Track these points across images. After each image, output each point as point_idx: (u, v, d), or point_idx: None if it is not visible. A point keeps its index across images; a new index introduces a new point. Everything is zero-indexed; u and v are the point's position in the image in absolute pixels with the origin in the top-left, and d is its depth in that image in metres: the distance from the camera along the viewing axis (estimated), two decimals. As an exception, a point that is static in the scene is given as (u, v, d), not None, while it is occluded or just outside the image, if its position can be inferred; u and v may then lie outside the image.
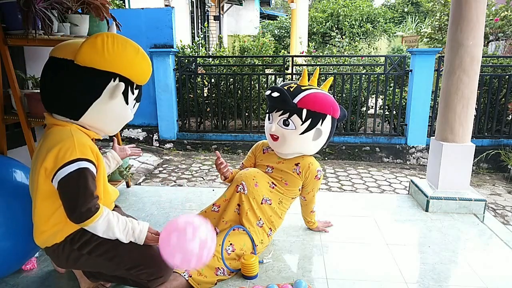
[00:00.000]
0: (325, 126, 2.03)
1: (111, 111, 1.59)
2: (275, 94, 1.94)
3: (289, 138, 2.01)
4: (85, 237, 1.54)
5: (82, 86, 1.50)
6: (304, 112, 1.95)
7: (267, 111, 2.10)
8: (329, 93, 2.35)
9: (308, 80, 2.13)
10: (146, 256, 1.60)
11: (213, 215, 2.08)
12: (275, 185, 2.14)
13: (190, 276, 1.76)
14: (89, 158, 1.47)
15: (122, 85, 1.54)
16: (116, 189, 1.80)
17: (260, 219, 2.08)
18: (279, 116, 2.01)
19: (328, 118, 2.03)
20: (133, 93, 1.63)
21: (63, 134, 1.50)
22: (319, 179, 2.17)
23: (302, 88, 2.01)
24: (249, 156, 2.33)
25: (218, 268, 1.85)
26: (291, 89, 2.00)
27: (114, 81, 1.53)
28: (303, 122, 1.97)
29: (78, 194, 1.43)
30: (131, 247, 1.57)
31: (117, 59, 1.51)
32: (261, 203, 2.07)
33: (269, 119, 2.10)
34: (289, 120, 1.98)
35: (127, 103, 1.61)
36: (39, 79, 1.58)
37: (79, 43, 1.50)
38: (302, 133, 1.99)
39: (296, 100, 1.96)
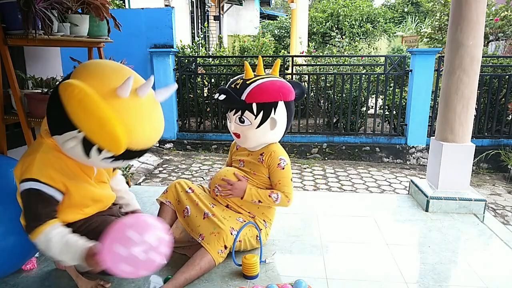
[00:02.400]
0: (280, 113, 2.02)
1: (71, 153, 1.48)
2: (221, 97, 1.96)
3: (248, 133, 2.03)
4: (71, 228, 1.55)
5: (51, 116, 1.47)
6: (254, 106, 1.96)
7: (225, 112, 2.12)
8: (284, 78, 2.36)
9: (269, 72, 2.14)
10: None
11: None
12: (247, 178, 2.11)
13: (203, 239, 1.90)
14: (43, 181, 1.47)
15: (78, 142, 1.41)
16: (112, 194, 1.80)
17: (249, 212, 2.12)
18: (234, 115, 2.03)
19: (281, 104, 2.01)
20: (99, 153, 1.43)
21: (33, 148, 1.53)
22: (283, 169, 2.06)
23: (247, 82, 1.99)
24: (229, 154, 2.36)
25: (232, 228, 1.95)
26: (238, 86, 2.00)
27: (78, 132, 1.40)
28: (256, 116, 1.98)
29: (25, 211, 1.51)
30: None
31: (83, 117, 1.37)
32: (242, 197, 2.08)
33: (228, 119, 2.13)
34: (243, 117, 1.99)
35: (88, 156, 1.45)
36: None
37: (89, 75, 1.41)
38: (258, 126, 2.00)
39: (243, 97, 1.96)
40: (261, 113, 1.97)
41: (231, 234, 1.93)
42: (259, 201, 2.04)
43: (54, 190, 1.49)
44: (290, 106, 2.07)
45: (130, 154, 1.47)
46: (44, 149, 1.51)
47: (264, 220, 2.16)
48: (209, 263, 1.88)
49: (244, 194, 2.02)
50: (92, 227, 1.61)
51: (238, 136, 2.08)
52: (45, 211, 1.49)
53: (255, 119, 1.98)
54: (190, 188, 2.13)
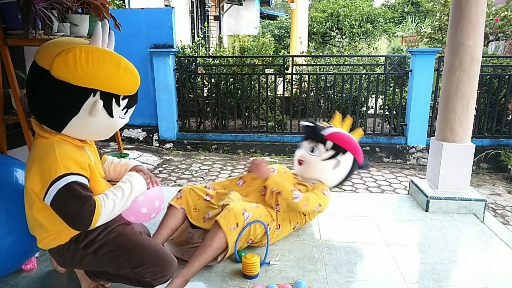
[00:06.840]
0: (345, 161, 2.26)
1: (94, 126, 1.50)
2: (307, 123, 2.32)
3: (312, 163, 2.27)
4: (90, 236, 1.54)
5: (58, 101, 1.42)
6: (330, 143, 2.23)
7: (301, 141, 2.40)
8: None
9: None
10: (151, 255, 1.60)
11: (236, 188, 2.29)
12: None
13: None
14: (73, 172, 1.44)
15: (100, 103, 1.43)
16: (110, 185, 1.79)
17: (278, 204, 2.19)
18: (308, 143, 2.31)
19: (349, 156, 2.26)
20: (119, 105, 1.50)
21: (45, 150, 1.46)
22: (323, 194, 2.23)
23: (332, 126, 2.36)
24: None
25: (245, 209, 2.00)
26: (323, 125, 2.35)
27: (94, 96, 1.42)
28: (327, 151, 2.24)
29: (72, 207, 1.41)
30: (137, 246, 1.58)
31: (94, 75, 1.39)
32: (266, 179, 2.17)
33: (300, 147, 2.38)
34: (315, 147, 2.27)
35: (111, 116, 1.50)
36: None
37: (59, 49, 1.38)
38: (324, 159, 2.24)
39: (325, 133, 2.26)
40: (332, 151, 2.24)
41: (243, 214, 1.96)
42: (279, 192, 2.10)
43: (84, 178, 1.47)
44: (354, 165, 2.32)
45: (133, 98, 1.55)
46: (58, 145, 1.47)
47: (279, 225, 2.20)
48: (220, 241, 1.90)
49: (269, 177, 2.11)
50: (112, 236, 1.60)
51: (300, 163, 2.31)
52: (87, 194, 1.45)
53: (324, 152, 2.25)
54: (207, 195, 2.20)
